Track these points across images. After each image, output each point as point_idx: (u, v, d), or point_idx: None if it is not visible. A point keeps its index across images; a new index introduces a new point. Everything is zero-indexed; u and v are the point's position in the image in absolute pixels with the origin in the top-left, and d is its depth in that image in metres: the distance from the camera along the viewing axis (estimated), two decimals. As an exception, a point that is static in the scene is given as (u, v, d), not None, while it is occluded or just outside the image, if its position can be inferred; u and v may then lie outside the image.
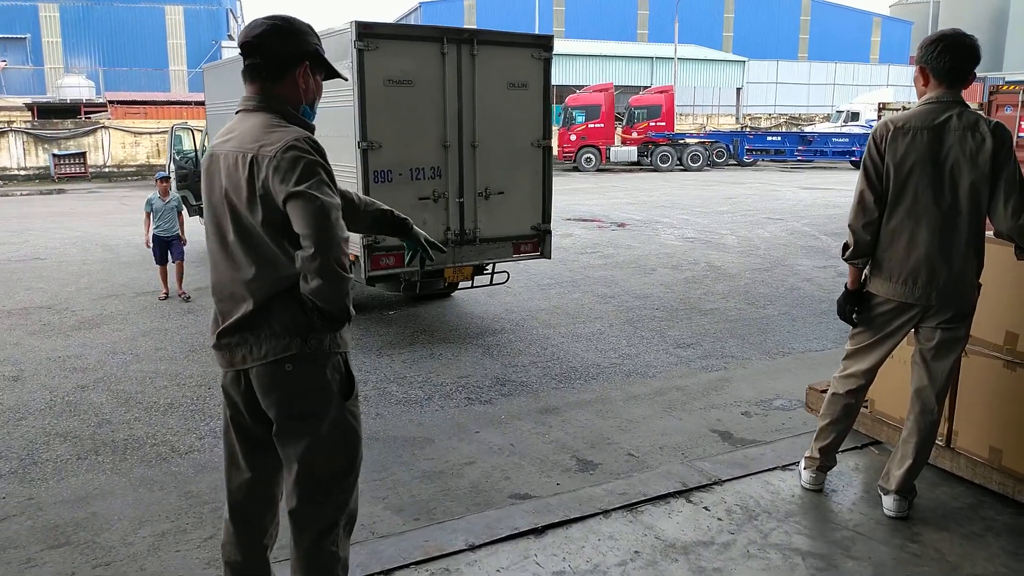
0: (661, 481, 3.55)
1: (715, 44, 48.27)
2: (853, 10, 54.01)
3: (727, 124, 38.89)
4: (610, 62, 41.59)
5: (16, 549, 3.26)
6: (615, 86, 31.67)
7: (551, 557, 2.93)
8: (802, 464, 3.50)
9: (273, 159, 1.97)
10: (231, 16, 44.14)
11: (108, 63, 39.22)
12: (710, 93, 46.19)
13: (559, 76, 36.25)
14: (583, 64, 40.61)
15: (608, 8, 47.43)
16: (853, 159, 27.72)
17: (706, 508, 3.30)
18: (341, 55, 5.97)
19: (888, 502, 3.20)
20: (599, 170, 28.38)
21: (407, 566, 2.85)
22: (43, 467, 4.10)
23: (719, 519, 3.20)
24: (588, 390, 5.29)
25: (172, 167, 11.16)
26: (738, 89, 44.32)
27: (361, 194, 2.62)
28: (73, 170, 24.90)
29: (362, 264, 6.22)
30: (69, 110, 28.60)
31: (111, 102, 28.32)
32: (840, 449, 3.45)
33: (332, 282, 1.93)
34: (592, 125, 28.31)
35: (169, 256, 8.07)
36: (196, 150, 11.52)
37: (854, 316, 3.18)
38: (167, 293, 8.10)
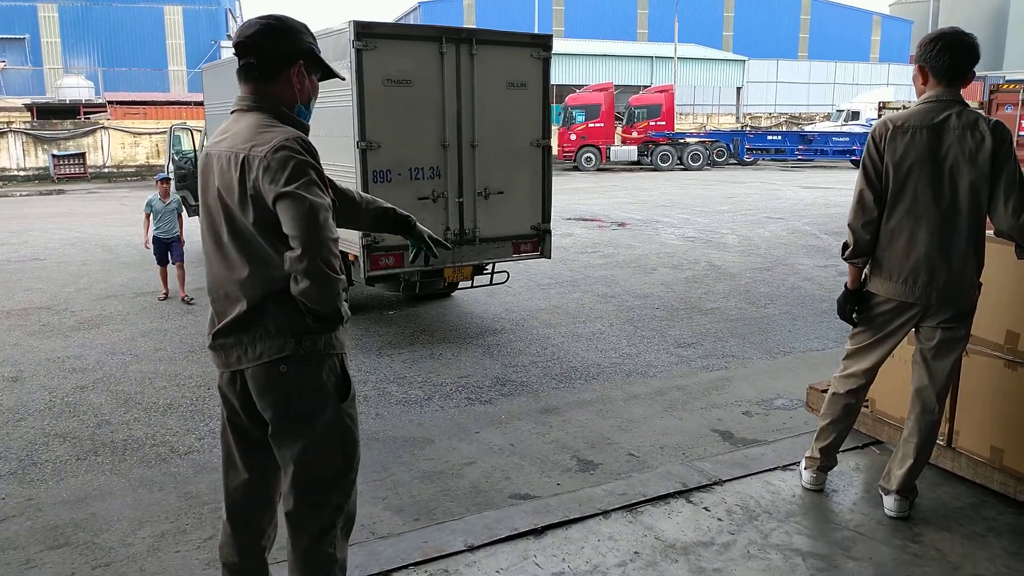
0: (661, 481, 3.54)
1: (715, 43, 48.26)
2: (853, 9, 54.00)
3: (727, 123, 38.89)
4: (610, 61, 41.58)
5: (16, 550, 3.26)
6: (615, 85, 31.66)
7: (550, 558, 2.92)
8: (803, 464, 3.49)
9: (263, 159, 1.96)
10: (230, 16, 44.12)
11: (107, 63, 39.20)
12: (710, 92, 46.19)
13: (559, 76, 36.28)
14: (583, 64, 40.60)
15: (608, 7, 47.41)
16: (853, 158, 27.70)
17: (706, 508, 3.29)
18: (340, 55, 5.97)
19: (889, 502, 3.19)
20: (599, 169, 28.38)
21: (406, 567, 2.84)
22: (42, 468, 4.10)
23: (719, 519, 3.19)
24: (588, 390, 5.29)
25: (171, 167, 11.15)
26: (738, 88, 44.32)
27: (362, 193, 2.61)
28: (72, 171, 24.90)
29: (361, 264, 6.21)
30: (68, 111, 28.61)
31: (110, 102, 28.33)
32: (841, 449, 3.44)
33: (321, 283, 1.91)
34: (592, 124, 28.31)
35: (169, 258, 8.05)
36: (195, 150, 11.51)
37: (854, 316, 3.18)
38: (166, 294, 8.10)
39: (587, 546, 3.00)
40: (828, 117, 36.81)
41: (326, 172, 2.35)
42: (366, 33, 5.90)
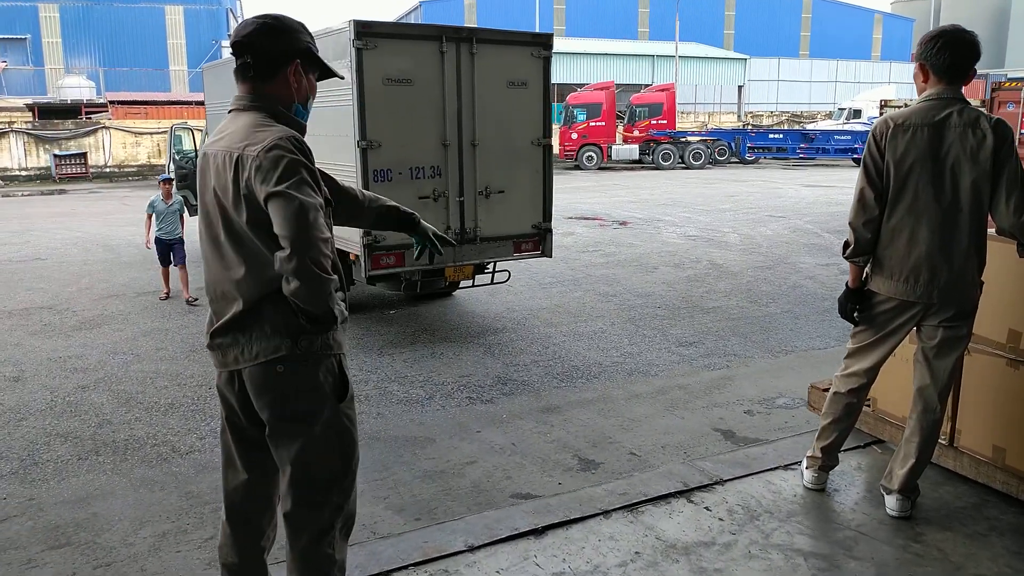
0: (662, 481, 3.53)
1: (716, 42, 48.21)
2: (854, 7, 53.92)
3: (729, 122, 38.85)
4: (611, 60, 41.56)
5: (17, 550, 3.26)
6: (616, 84, 31.66)
7: (551, 558, 2.91)
8: (804, 463, 3.48)
9: (256, 158, 1.95)
10: (231, 16, 44.11)
11: (108, 63, 39.22)
12: (711, 91, 46.13)
13: (560, 75, 36.26)
14: (584, 62, 40.58)
15: (609, 6, 47.37)
16: (855, 156, 27.67)
17: (707, 508, 3.28)
18: (340, 54, 5.97)
19: (891, 502, 3.18)
20: (601, 168, 28.37)
21: (406, 567, 2.84)
22: (44, 468, 4.10)
23: (720, 519, 3.19)
24: (590, 389, 5.28)
25: (172, 167, 11.16)
26: (740, 87, 44.28)
27: (365, 191, 2.60)
28: (74, 170, 24.93)
29: (362, 263, 6.21)
30: (70, 110, 28.63)
31: (112, 102, 28.35)
32: (842, 448, 3.43)
33: (310, 283, 1.90)
34: (593, 123, 28.29)
35: (172, 259, 8.02)
36: (196, 150, 11.52)
37: (855, 314, 3.17)
38: (167, 293, 8.09)
39: (588, 546, 2.99)
40: (830, 115, 36.76)
41: (327, 172, 2.35)
42: (366, 32, 5.90)
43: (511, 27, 8.03)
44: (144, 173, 25.77)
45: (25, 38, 38.90)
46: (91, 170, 25.20)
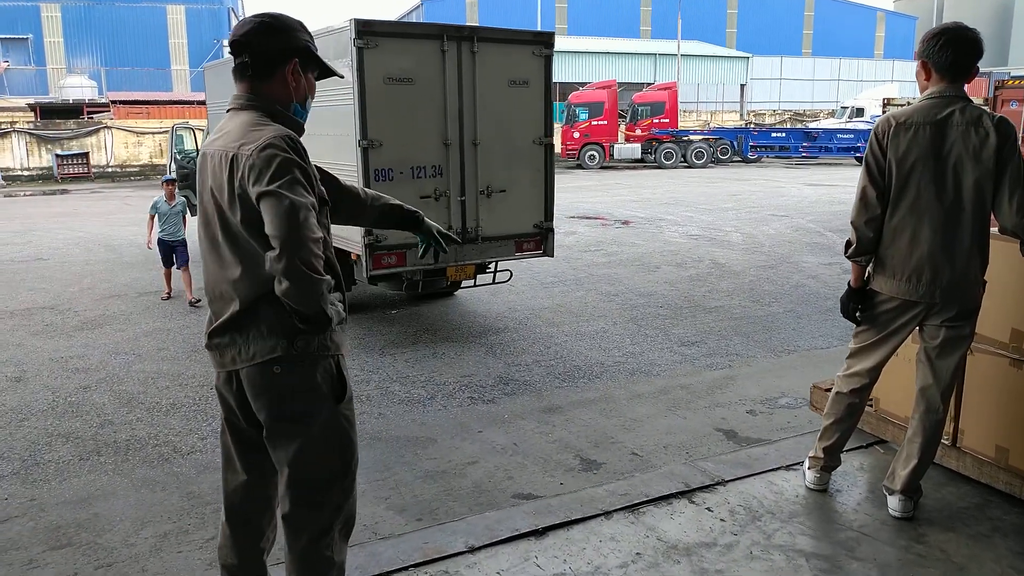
0: (663, 481, 3.52)
1: (719, 40, 48.15)
2: (857, 5, 53.82)
3: (731, 120, 38.81)
4: (613, 59, 41.53)
5: (18, 550, 3.26)
6: (618, 83, 31.61)
7: (552, 559, 2.90)
8: (806, 464, 3.47)
9: (249, 157, 1.95)
10: (233, 15, 44.13)
11: (110, 63, 39.27)
12: (714, 90, 46.07)
13: (562, 73, 36.23)
14: (586, 61, 40.55)
15: (611, 4, 47.33)
16: (858, 155, 27.62)
17: (709, 509, 3.27)
18: (341, 53, 5.96)
19: (893, 502, 3.17)
20: (603, 167, 28.36)
21: (406, 568, 2.83)
22: (45, 468, 4.10)
23: (722, 520, 3.18)
24: (592, 389, 5.27)
25: (173, 167, 11.16)
26: (742, 85, 44.24)
27: (367, 189, 2.59)
28: (76, 170, 24.98)
29: (364, 263, 6.21)
30: (72, 110, 28.68)
31: (113, 102, 28.39)
32: (845, 448, 3.42)
33: (300, 284, 1.88)
34: (596, 122, 28.28)
35: (175, 261, 7.98)
36: (198, 150, 11.53)
37: (858, 314, 3.15)
38: (169, 293, 8.08)
39: (588, 547, 2.98)
40: (832, 114, 36.73)
41: (328, 171, 2.34)
42: (367, 31, 5.89)
43: (513, 26, 8.02)
44: (146, 173, 25.81)
45: (27, 38, 38.96)
46: (93, 170, 25.25)
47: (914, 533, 3.06)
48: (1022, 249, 2.89)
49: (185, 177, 10.84)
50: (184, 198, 8.64)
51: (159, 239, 7.97)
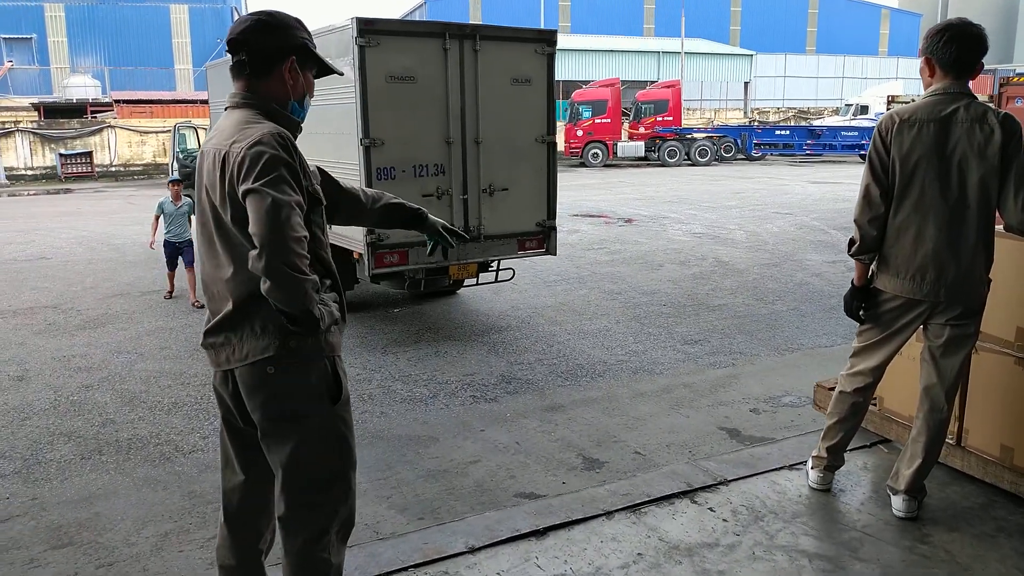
0: (665, 481, 3.50)
1: (722, 38, 48.04)
2: (861, 3, 53.64)
3: (735, 118, 38.73)
4: (616, 57, 41.46)
5: (19, 549, 3.25)
6: (621, 81, 31.55)
7: (552, 559, 2.89)
8: (809, 463, 3.45)
9: (239, 155, 1.93)
10: (236, 14, 44.19)
11: (113, 62, 39.35)
12: (717, 87, 46.00)
13: (565, 71, 36.20)
14: (589, 59, 40.49)
15: (614, 2, 47.26)
16: (862, 153, 27.55)
17: (711, 509, 3.25)
18: (343, 52, 5.95)
19: (897, 502, 3.15)
20: (606, 165, 28.32)
21: (405, 569, 2.82)
22: (47, 467, 4.10)
23: (724, 520, 3.16)
24: (594, 387, 5.26)
25: (175, 166, 11.16)
26: (746, 83, 44.13)
27: (369, 189, 2.57)
28: (79, 169, 25.04)
29: (366, 262, 6.20)
30: (75, 110, 28.73)
31: (117, 101, 28.43)
32: (848, 448, 3.39)
33: (282, 283, 1.85)
34: (599, 120, 28.23)
35: (182, 262, 7.90)
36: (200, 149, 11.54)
37: (861, 313, 3.13)
38: (171, 292, 8.07)
39: (589, 547, 2.97)
40: (836, 112, 36.63)
41: (329, 173, 2.32)
42: (369, 30, 5.88)
43: (515, 24, 8.00)
44: (149, 172, 25.86)
45: (31, 38, 39.05)
46: (96, 169, 25.30)
47: (918, 533, 3.04)
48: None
49: (188, 176, 10.84)
50: (189, 198, 8.62)
51: (165, 240, 7.90)
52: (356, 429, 2.20)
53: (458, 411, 4.85)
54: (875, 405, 3.77)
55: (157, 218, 8.03)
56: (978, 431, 3.35)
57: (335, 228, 2.45)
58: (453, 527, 3.17)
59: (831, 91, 48.14)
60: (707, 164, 28.54)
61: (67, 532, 3.40)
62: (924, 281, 2.91)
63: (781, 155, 30.47)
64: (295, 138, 2.09)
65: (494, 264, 7.14)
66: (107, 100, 30.42)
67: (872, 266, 3.08)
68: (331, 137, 6.41)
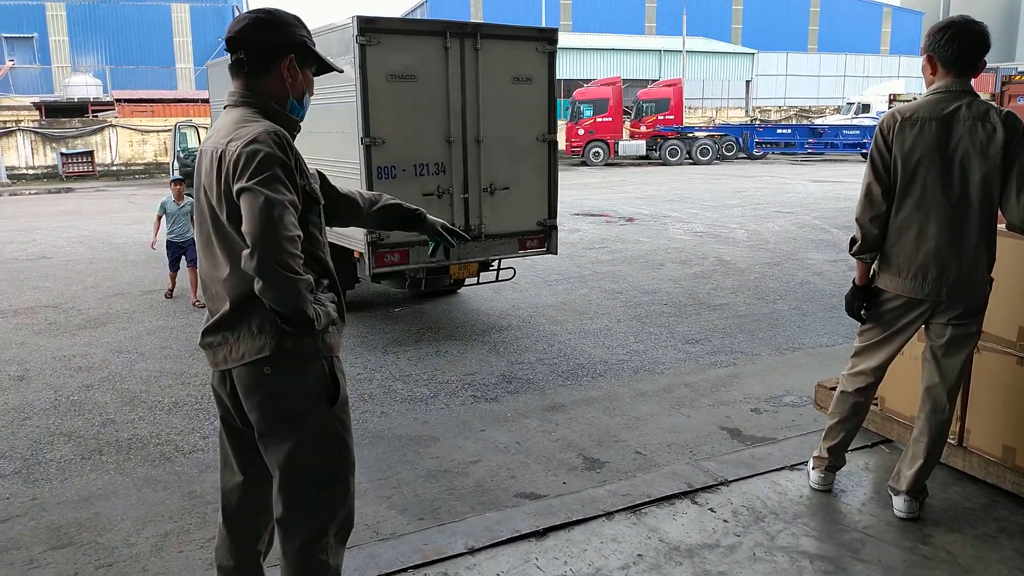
0: (666, 482, 3.49)
1: (724, 36, 47.98)
2: (863, 1, 53.55)
3: (736, 117, 38.70)
4: (618, 55, 41.41)
5: (19, 550, 3.25)
6: (623, 80, 31.51)
7: (552, 560, 2.88)
8: (810, 464, 3.44)
9: (234, 153, 1.92)
10: (237, 13, 44.21)
11: (115, 61, 39.37)
12: (719, 86, 45.95)
13: (566, 70, 36.15)
14: (590, 58, 40.46)
15: (615, 1, 47.20)
16: (864, 151, 27.52)
17: (712, 510, 3.24)
18: (343, 50, 5.94)
19: (898, 503, 3.13)
20: (607, 164, 28.30)
21: (405, 570, 2.81)
22: (47, 467, 4.09)
23: (725, 521, 3.15)
24: (595, 387, 5.25)
25: (176, 165, 11.16)
26: (747, 81, 44.07)
27: (366, 191, 2.56)
28: (81, 169, 25.06)
29: (367, 261, 6.19)
30: (76, 109, 28.75)
31: (118, 100, 28.44)
32: (849, 448, 3.38)
33: (273, 283, 1.83)
34: (600, 119, 28.21)
35: (184, 262, 7.85)
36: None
37: (862, 312, 3.12)
38: (172, 290, 8.03)
39: (590, 548, 2.96)
40: (838, 110, 36.56)
41: (330, 169, 2.32)
42: (370, 28, 5.87)
43: (517, 22, 7.99)
44: (151, 171, 25.87)
45: (32, 37, 39.07)
46: (98, 168, 25.31)
47: (920, 534, 3.02)
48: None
49: (189, 175, 10.81)
50: (191, 198, 8.57)
51: (168, 241, 7.84)
52: (357, 429, 2.20)
53: (459, 411, 4.84)
54: (876, 405, 3.76)
55: (159, 218, 7.97)
56: (980, 431, 3.34)
57: (335, 228, 2.44)
58: (453, 528, 3.16)
59: (833, 89, 48.08)
60: (708, 163, 28.51)
61: (67, 532, 3.39)
62: (926, 280, 2.90)
63: (783, 154, 30.45)
64: (294, 137, 2.08)
65: (495, 263, 7.13)
66: (108, 99, 30.43)
67: (874, 265, 3.06)
68: (332, 136, 6.40)
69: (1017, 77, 13.83)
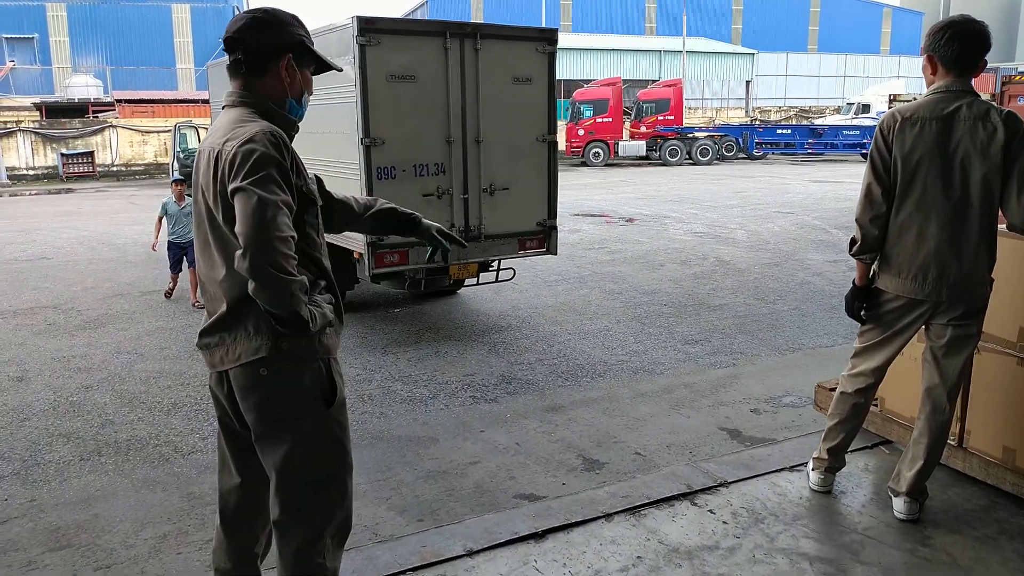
0: (665, 483, 3.48)
1: (724, 36, 47.99)
2: (863, 1, 53.53)
3: (736, 117, 38.69)
4: (618, 56, 41.41)
5: (17, 551, 3.24)
6: (623, 80, 31.51)
7: (551, 562, 2.87)
8: (810, 465, 3.43)
9: (230, 153, 1.91)
10: (237, 13, 44.27)
11: (115, 62, 39.36)
12: (719, 86, 45.94)
13: (566, 70, 36.15)
14: (590, 58, 40.46)
15: (615, 1, 47.20)
16: (864, 152, 27.51)
17: (711, 511, 3.23)
18: (343, 51, 5.93)
19: (898, 504, 3.13)
20: (607, 165, 28.30)
21: (403, 572, 2.80)
22: (46, 468, 4.09)
23: (724, 522, 3.14)
24: (595, 388, 5.24)
25: (176, 166, 11.15)
26: (747, 82, 44.07)
27: (361, 196, 2.54)
28: (81, 169, 25.05)
29: (366, 262, 6.19)
30: (77, 109, 28.74)
31: (119, 101, 28.44)
32: (849, 449, 3.38)
33: (266, 284, 1.83)
34: (600, 119, 28.21)
35: (184, 262, 7.82)
36: (201, 148, 11.53)
37: (862, 313, 3.11)
38: (171, 291, 8.01)
39: (589, 550, 2.95)
40: (838, 110, 36.56)
41: (330, 169, 2.31)
42: (369, 28, 5.86)
43: (517, 22, 7.98)
44: (151, 172, 25.86)
45: (33, 37, 39.06)
46: (98, 169, 25.31)
47: (920, 536, 3.01)
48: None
49: (189, 176, 10.80)
50: (192, 198, 8.55)
51: (169, 242, 7.80)
52: (356, 429, 2.19)
53: (458, 412, 4.83)
54: (876, 406, 3.75)
55: (160, 219, 7.91)
56: (980, 432, 3.33)
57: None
58: (451, 529, 3.15)
59: (833, 90, 48.08)
60: (708, 163, 28.50)
61: (65, 534, 3.38)
62: (926, 281, 2.89)
63: (783, 154, 30.43)
64: (292, 137, 2.07)
65: (494, 264, 7.13)
66: (109, 100, 30.43)
67: (874, 266, 3.05)
68: (331, 136, 6.39)
69: (1017, 77, 13.83)
